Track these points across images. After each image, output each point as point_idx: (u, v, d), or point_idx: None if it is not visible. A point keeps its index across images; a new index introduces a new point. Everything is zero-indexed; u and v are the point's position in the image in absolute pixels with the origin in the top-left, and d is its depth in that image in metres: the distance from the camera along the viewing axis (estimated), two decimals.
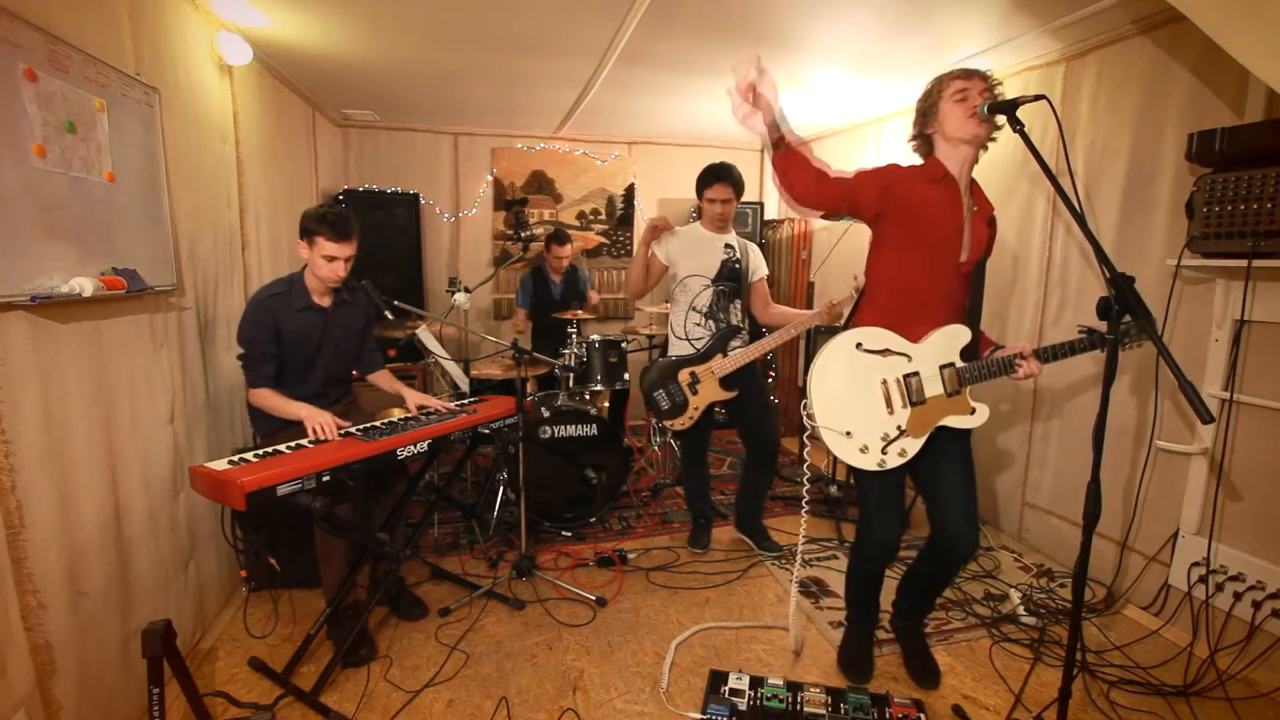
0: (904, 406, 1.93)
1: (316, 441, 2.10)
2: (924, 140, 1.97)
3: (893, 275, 1.98)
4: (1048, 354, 1.84)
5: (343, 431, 2.19)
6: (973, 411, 1.94)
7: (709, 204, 2.87)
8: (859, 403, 1.94)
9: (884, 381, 1.93)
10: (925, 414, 1.92)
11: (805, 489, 2.22)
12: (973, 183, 1.97)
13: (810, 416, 1.97)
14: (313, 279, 2.31)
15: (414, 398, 2.53)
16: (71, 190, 1.68)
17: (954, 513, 1.98)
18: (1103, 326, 1.56)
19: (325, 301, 2.36)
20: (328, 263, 2.23)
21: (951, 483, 1.99)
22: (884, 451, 1.93)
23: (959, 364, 1.92)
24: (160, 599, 2.08)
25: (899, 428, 1.93)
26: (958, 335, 1.92)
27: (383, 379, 2.63)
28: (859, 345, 1.94)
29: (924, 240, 1.92)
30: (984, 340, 2.06)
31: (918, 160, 2.00)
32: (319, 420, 2.17)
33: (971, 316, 1.98)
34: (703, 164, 2.92)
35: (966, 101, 1.81)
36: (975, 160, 1.93)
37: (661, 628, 2.48)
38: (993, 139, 1.88)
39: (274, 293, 2.27)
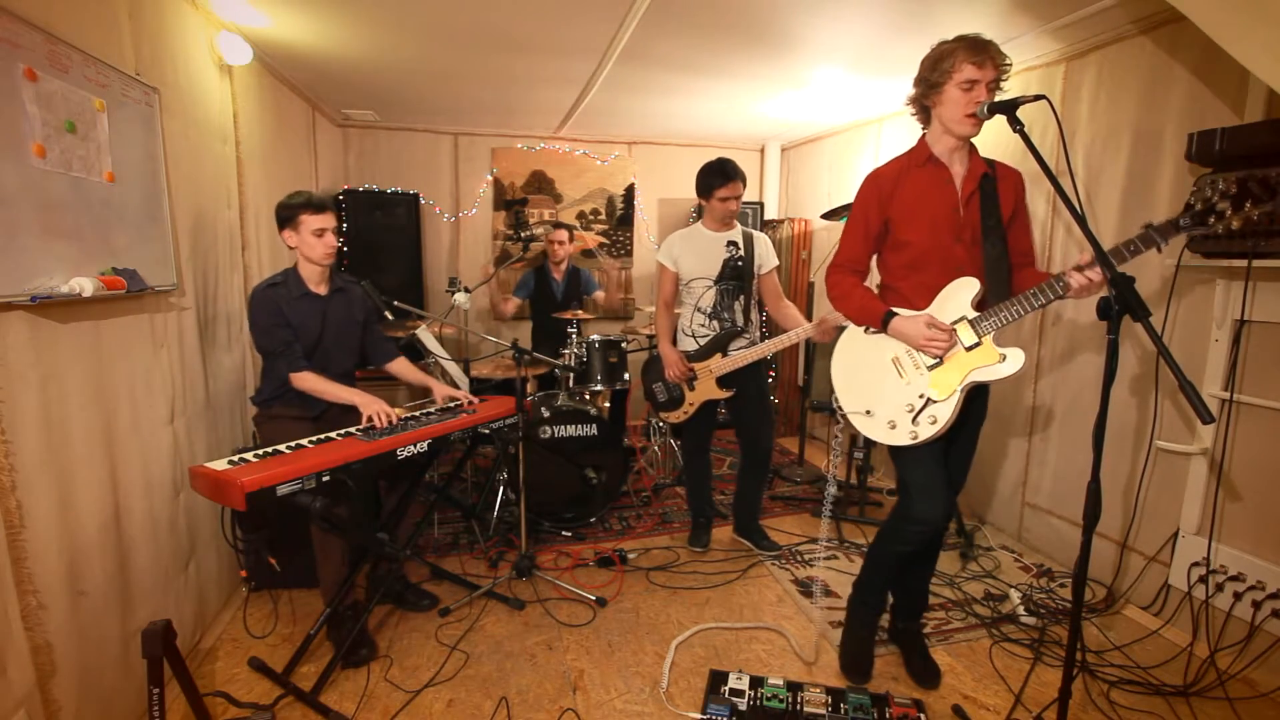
0: (920, 373, 1.91)
1: (317, 440, 2.10)
2: (922, 109, 1.95)
3: (902, 263, 1.99)
4: (1128, 249, 1.63)
5: (343, 431, 2.20)
6: (1002, 359, 1.82)
7: (721, 203, 2.84)
8: (875, 382, 1.98)
9: (894, 357, 1.96)
10: (947, 374, 1.87)
11: (830, 492, 2.20)
12: (973, 150, 1.96)
13: (839, 408, 2.04)
14: (306, 267, 2.34)
15: (441, 390, 2.58)
16: (71, 190, 1.68)
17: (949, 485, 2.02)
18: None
19: (321, 290, 2.38)
20: (319, 237, 2.27)
21: (951, 456, 2.02)
22: (914, 423, 1.90)
23: (971, 315, 1.86)
24: (160, 599, 2.08)
25: (922, 395, 1.90)
26: (963, 288, 1.87)
27: (403, 368, 2.63)
28: (865, 329, 2.00)
29: (918, 219, 1.92)
30: (1030, 279, 1.91)
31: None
32: (376, 408, 2.25)
33: (995, 271, 1.87)
34: (702, 164, 2.91)
35: (971, 94, 1.77)
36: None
37: (661, 628, 2.48)
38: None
39: (272, 283, 2.31)
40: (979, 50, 1.78)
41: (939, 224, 1.91)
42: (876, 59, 3.12)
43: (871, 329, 2.01)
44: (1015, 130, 1.64)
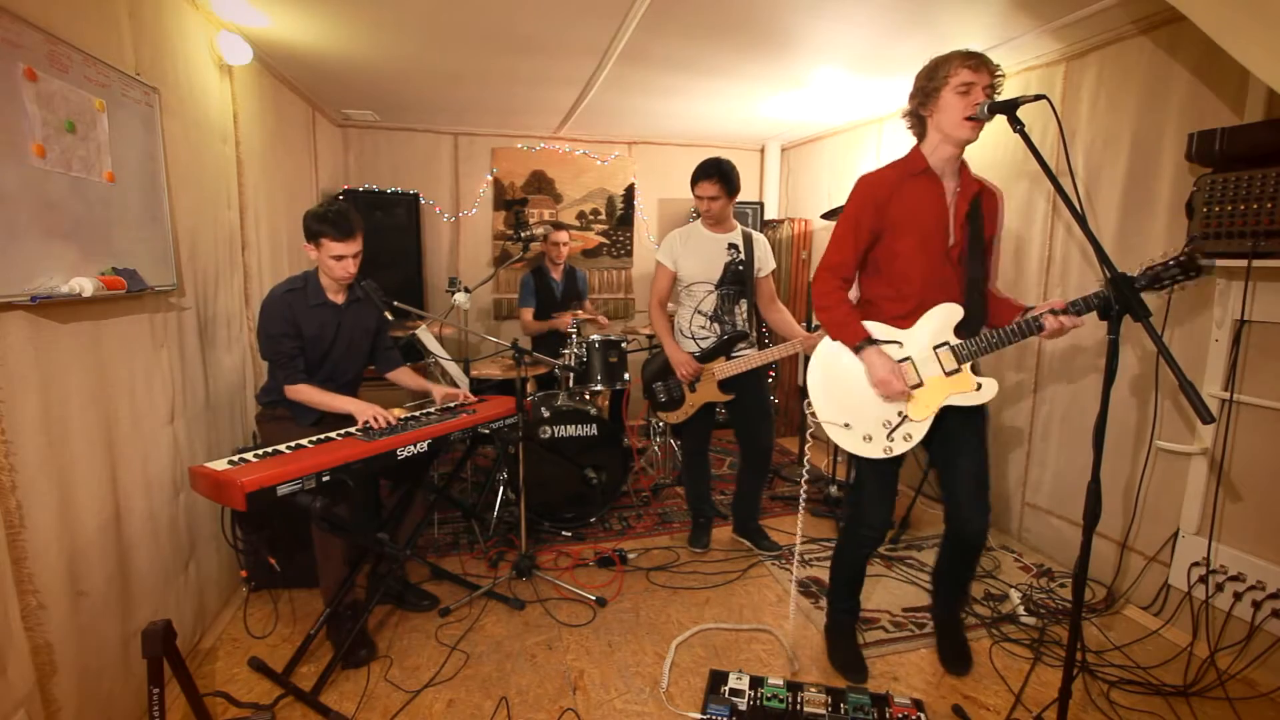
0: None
1: (317, 440, 2.10)
2: (918, 120, 1.95)
3: (885, 272, 2.00)
4: (1081, 305, 1.75)
5: (343, 431, 2.20)
6: (978, 388, 1.90)
7: (698, 201, 2.85)
8: (855, 394, 1.99)
9: None
10: (925, 396, 1.94)
11: (803, 489, 2.21)
12: (964, 165, 1.97)
13: (812, 415, 2.02)
14: (325, 278, 2.33)
15: (441, 393, 2.58)
16: (71, 190, 1.68)
17: (963, 498, 2.05)
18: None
19: (339, 298, 2.38)
20: (337, 262, 2.26)
21: (961, 469, 2.04)
22: (889, 438, 1.95)
23: (954, 341, 1.92)
24: (160, 599, 2.08)
25: (900, 413, 1.95)
26: (948, 313, 1.92)
27: (404, 376, 2.63)
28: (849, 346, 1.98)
29: (909, 235, 1.93)
30: (1007, 308, 2.00)
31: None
32: (371, 412, 2.25)
33: (973, 293, 1.93)
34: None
35: (968, 97, 1.78)
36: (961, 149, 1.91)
37: (661, 628, 2.48)
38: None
39: (291, 288, 2.30)
40: (973, 55, 1.80)
41: (929, 239, 1.92)
42: (876, 59, 3.12)
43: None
44: (1015, 130, 1.64)
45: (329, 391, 2.31)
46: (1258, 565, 2.19)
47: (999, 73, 1.81)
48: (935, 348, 1.93)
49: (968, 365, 1.92)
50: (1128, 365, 2.59)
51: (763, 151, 5.40)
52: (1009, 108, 1.66)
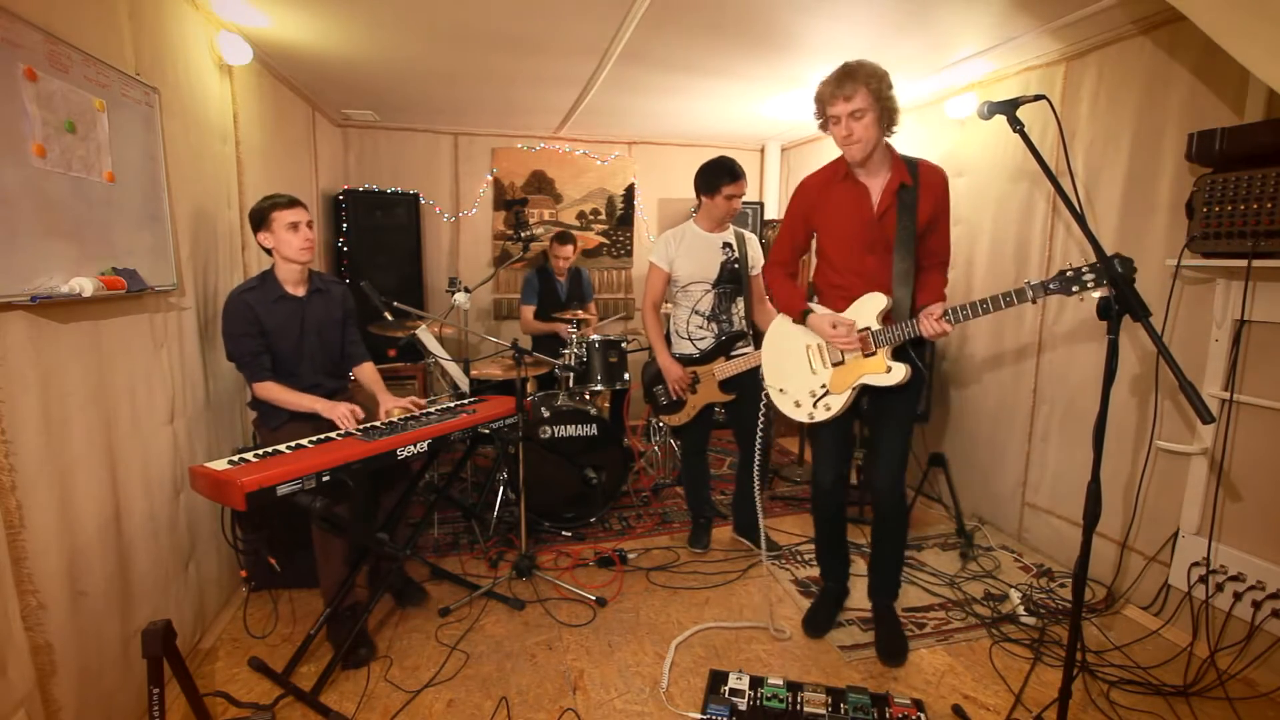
0: (825, 367, 2.21)
1: (317, 440, 2.10)
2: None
3: (822, 267, 2.26)
4: (962, 312, 1.94)
5: (344, 431, 2.20)
6: (888, 370, 2.08)
7: (727, 201, 2.81)
8: (791, 365, 2.30)
9: (807, 347, 2.25)
10: (844, 373, 2.16)
11: (761, 463, 2.23)
12: (895, 159, 2.07)
13: (762, 379, 2.40)
14: (284, 268, 2.33)
15: (388, 403, 2.47)
16: (71, 190, 1.68)
17: (878, 469, 2.26)
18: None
19: (299, 291, 2.37)
20: (293, 232, 2.26)
21: (881, 451, 2.24)
22: (814, 407, 2.22)
23: (875, 327, 2.08)
24: (160, 599, 2.08)
25: (823, 386, 2.21)
26: (872, 302, 2.10)
27: (365, 373, 2.59)
28: (793, 320, 2.28)
29: (834, 232, 2.16)
30: (930, 285, 2.14)
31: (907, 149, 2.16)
32: (340, 411, 2.23)
33: (902, 282, 2.06)
34: (701, 163, 2.89)
35: (839, 128, 2.00)
36: (875, 148, 2.02)
37: (661, 628, 2.48)
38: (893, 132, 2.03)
39: (248, 287, 2.30)
40: (838, 83, 1.97)
41: (852, 237, 2.11)
42: (876, 59, 3.04)
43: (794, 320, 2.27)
44: (1015, 130, 1.64)
45: (298, 391, 2.28)
46: (1258, 565, 2.19)
47: (874, 83, 1.93)
48: (856, 332, 2.11)
49: (884, 350, 2.07)
50: (1128, 365, 2.59)
51: (763, 151, 5.40)
52: (1008, 108, 1.66)
